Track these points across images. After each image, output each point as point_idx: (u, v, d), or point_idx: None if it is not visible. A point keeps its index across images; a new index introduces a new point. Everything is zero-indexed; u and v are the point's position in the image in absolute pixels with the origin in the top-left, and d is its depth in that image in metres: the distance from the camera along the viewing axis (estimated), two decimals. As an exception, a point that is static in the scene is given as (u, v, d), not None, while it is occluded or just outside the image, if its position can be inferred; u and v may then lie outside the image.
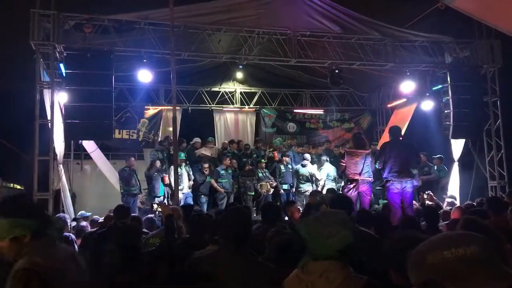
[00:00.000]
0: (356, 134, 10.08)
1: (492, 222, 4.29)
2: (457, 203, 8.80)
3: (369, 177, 8.66)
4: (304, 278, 2.05)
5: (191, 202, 10.58)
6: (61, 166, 9.78)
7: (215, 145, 13.20)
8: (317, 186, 11.51)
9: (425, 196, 7.95)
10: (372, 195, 9.64)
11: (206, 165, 11.20)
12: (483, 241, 1.06)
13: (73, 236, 5.99)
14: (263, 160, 12.09)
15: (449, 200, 9.14)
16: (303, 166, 11.69)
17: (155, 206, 9.87)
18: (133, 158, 11.27)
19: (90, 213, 9.37)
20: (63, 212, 9.18)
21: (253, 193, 11.53)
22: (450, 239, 1.08)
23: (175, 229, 4.17)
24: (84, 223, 7.52)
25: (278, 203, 10.60)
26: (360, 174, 8.49)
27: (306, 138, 15.30)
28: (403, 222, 4.69)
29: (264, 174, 11.72)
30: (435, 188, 11.08)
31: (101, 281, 3.29)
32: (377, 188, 10.61)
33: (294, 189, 11.84)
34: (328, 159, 12.04)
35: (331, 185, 11.28)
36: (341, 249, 2.00)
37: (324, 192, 9.55)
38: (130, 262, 3.35)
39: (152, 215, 7.85)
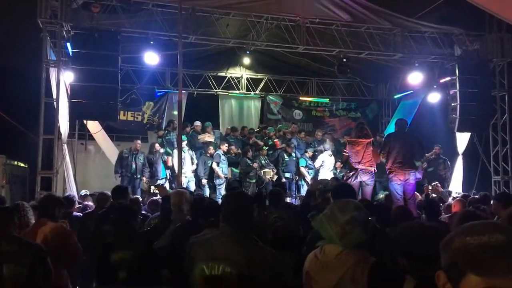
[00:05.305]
0: (358, 124, 10.07)
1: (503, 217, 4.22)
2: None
3: (371, 166, 8.64)
4: (321, 258, 2.30)
5: (193, 186, 10.61)
6: (65, 145, 9.79)
7: (218, 129, 13.09)
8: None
9: (429, 188, 7.89)
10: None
11: (212, 150, 11.14)
12: (509, 231, 1.06)
13: (80, 216, 6.06)
14: (264, 147, 12.00)
15: (455, 195, 9.11)
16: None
17: (152, 188, 9.88)
18: (138, 141, 11.13)
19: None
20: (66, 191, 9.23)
21: (254, 180, 11.34)
22: (476, 226, 1.10)
23: (171, 211, 4.23)
24: (89, 203, 7.54)
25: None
26: (359, 163, 8.49)
27: (312, 126, 15.17)
28: (396, 213, 4.59)
29: (266, 161, 11.67)
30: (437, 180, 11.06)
31: (99, 258, 3.33)
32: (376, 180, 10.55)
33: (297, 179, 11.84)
34: (326, 148, 11.88)
35: (327, 173, 11.21)
36: (355, 244, 2.24)
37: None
38: (125, 241, 3.40)
39: (157, 198, 7.86)
